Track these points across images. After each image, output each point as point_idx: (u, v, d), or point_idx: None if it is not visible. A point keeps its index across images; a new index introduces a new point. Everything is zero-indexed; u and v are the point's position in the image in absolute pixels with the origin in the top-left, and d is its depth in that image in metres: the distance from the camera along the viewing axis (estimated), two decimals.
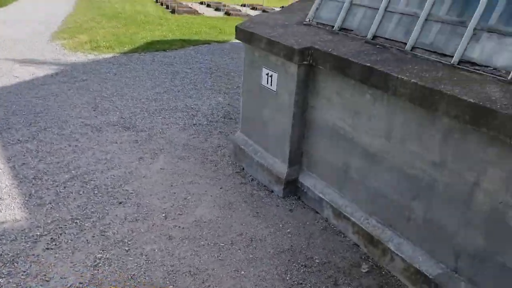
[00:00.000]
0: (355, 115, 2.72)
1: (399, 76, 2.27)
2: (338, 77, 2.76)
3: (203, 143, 4.27)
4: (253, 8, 15.72)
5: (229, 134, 4.45)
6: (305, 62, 2.87)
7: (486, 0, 2.26)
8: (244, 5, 16.02)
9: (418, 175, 2.37)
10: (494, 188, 2.00)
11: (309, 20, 3.36)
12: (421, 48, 2.55)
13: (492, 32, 2.23)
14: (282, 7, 8.47)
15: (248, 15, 13.25)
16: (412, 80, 2.19)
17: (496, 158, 1.95)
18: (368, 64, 2.46)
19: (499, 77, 2.11)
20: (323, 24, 3.25)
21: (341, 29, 3.11)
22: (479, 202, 2.08)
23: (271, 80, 3.19)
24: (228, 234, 2.92)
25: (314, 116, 3.09)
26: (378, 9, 2.86)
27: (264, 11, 13.93)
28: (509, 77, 2.06)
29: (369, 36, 2.88)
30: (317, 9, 3.34)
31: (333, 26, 3.16)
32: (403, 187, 2.49)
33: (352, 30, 3.05)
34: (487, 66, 2.20)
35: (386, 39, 2.79)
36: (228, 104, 5.38)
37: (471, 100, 1.92)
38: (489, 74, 2.15)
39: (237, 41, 3.76)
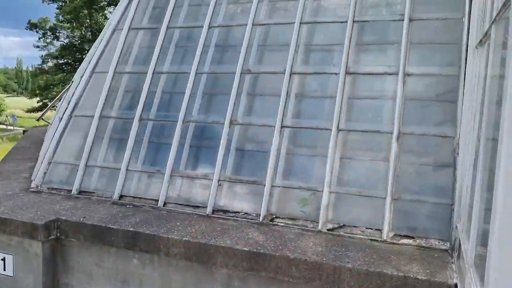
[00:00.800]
0: (124, 285, 2.45)
1: (169, 236, 2.27)
2: (96, 247, 2.46)
3: None
4: None
5: None
6: (51, 237, 2.42)
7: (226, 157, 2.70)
8: None
9: None
10: None
11: (38, 186, 2.93)
12: (173, 203, 2.69)
13: (231, 181, 2.65)
14: None
15: None
16: (184, 239, 2.24)
17: None
18: (132, 229, 2.34)
19: (252, 220, 2.48)
20: (57, 189, 2.92)
21: (81, 192, 2.88)
22: None
23: (4, 264, 2.48)
24: None
25: None
26: (119, 169, 2.85)
27: None
28: (260, 219, 2.46)
29: (116, 196, 2.79)
30: (45, 173, 2.98)
31: (70, 190, 2.87)
32: None
33: (94, 192, 2.87)
34: (238, 212, 2.56)
35: (134, 197, 2.79)
36: None
37: (245, 249, 2.14)
38: (243, 219, 2.50)
39: None
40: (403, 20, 2.81)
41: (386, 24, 2.97)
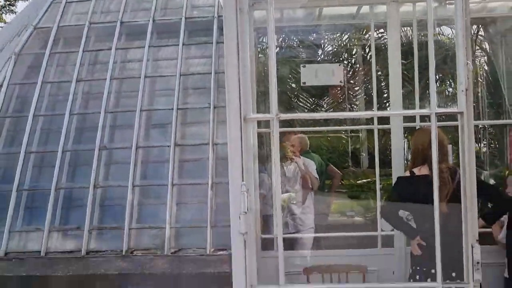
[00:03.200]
0: None
1: (57, 274, 3.14)
2: None
3: None
4: None
5: None
6: None
7: None
8: None
9: None
10: None
11: None
12: (53, 251, 3.50)
13: (99, 230, 3.63)
14: None
15: None
16: (68, 274, 3.15)
17: None
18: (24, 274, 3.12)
19: (118, 255, 3.51)
20: None
21: None
22: None
23: None
24: None
25: None
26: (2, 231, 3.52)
27: None
28: (123, 253, 3.51)
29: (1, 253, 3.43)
30: None
31: None
32: None
33: None
34: (106, 250, 3.55)
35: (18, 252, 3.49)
36: None
37: (116, 272, 3.18)
38: (110, 255, 3.51)
39: None
40: (209, 107, 4.33)
41: (201, 110, 4.46)
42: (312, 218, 4.62)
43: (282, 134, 3.65)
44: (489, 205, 2.87)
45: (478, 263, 1.97)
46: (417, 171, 2.65)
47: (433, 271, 2.06)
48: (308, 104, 6.56)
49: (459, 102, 2.00)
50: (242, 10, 2.31)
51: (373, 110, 4.86)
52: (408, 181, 2.79)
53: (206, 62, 4.86)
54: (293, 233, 4.49)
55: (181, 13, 4.96)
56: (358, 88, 6.05)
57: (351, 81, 5.95)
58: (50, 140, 4.10)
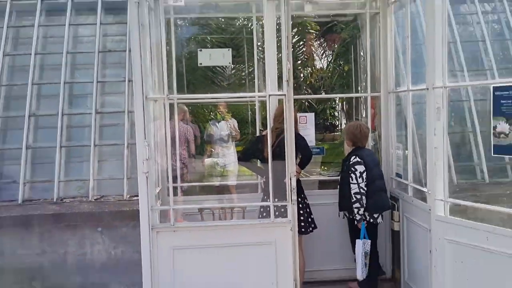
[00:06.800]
0: None
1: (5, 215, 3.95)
2: None
3: None
4: None
5: None
6: None
7: None
8: None
9: None
10: None
11: None
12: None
13: (33, 182, 4.44)
14: None
15: None
16: (11, 215, 3.98)
17: None
18: None
19: (50, 202, 4.37)
20: None
21: None
22: None
23: None
24: None
25: None
26: None
27: None
28: (54, 200, 4.38)
29: None
30: None
31: None
32: None
33: None
34: (40, 199, 4.39)
35: None
36: None
37: (50, 213, 4.07)
38: (44, 202, 4.36)
39: None
40: (125, 81, 5.19)
41: (118, 83, 5.30)
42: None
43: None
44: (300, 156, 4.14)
45: (294, 188, 3.27)
46: (264, 133, 3.98)
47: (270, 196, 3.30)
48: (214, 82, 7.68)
49: (284, 88, 3.23)
50: (141, 3, 3.22)
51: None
52: (258, 139, 4.13)
53: (121, 39, 5.66)
54: None
55: None
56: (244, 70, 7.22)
57: (241, 63, 7.12)
58: None
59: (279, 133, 3.64)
